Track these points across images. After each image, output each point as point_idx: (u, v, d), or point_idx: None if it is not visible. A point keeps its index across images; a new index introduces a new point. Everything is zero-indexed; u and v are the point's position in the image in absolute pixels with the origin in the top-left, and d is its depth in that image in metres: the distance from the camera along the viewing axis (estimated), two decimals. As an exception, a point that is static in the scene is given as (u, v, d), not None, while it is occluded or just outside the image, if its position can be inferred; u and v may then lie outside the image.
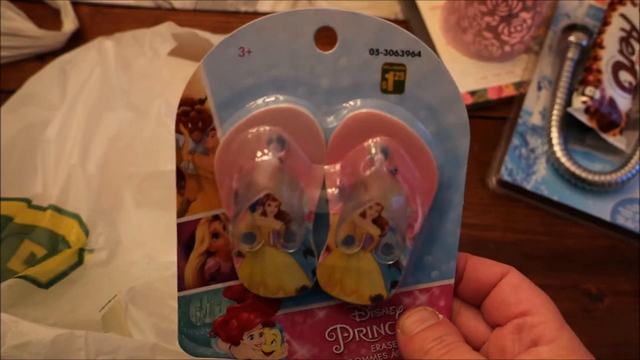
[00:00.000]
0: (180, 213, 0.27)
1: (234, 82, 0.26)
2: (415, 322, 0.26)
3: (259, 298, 0.28)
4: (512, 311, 0.26)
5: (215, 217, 0.27)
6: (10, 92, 0.48)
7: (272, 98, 0.26)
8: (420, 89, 0.26)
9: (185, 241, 0.27)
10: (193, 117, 0.26)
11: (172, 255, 0.43)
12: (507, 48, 0.53)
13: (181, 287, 0.28)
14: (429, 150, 0.26)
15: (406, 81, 0.25)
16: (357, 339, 0.28)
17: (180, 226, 0.27)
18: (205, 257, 0.28)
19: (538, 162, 0.50)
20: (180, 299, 0.28)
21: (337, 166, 0.26)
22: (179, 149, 0.26)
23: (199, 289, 0.28)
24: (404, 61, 0.25)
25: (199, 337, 0.28)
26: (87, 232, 0.43)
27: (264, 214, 0.25)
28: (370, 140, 0.25)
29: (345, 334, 0.28)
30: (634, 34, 0.53)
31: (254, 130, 0.25)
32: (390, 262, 0.26)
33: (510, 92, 0.54)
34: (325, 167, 0.26)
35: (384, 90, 0.26)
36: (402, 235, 0.26)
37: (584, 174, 0.49)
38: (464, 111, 0.26)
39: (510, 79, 0.54)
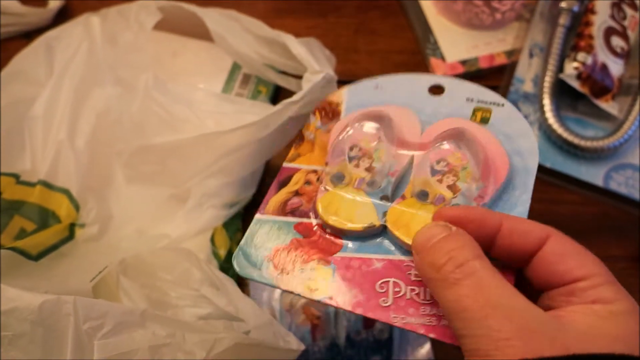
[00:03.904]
0: (289, 160, 0.34)
1: (364, 100, 0.36)
2: (427, 238, 0.25)
3: (324, 238, 0.30)
4: (563, 279, 0.24)
5: (313, 172, 0.33)
6: (-4, 70, 0.47)
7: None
8: (500, 124, 0.33)
9: (283, 180, 0.33)
10: (327, 110, 0.36)
11: (162, 228, 0.44)
12: (498, 16, 0.53)
13: (261, 210, 0.32)
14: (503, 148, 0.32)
15: (490, 118, 0.33)
16: (408, 296, 0.28)
17: (283, 169, 0.33)
18: (293, 195, 0.32)
19: (530, 129, 0.50)
20: (256, 220, 0.31)
21: (427, 144, 0.32)
22: (308, 123, 0.35)
23: (276, 216, 0.31)
24: (490, 107, 0.34)
25: (254, 256, 0.30)
26: (77, 207, 0.42)
27: (357, 166, 0.32)
28: (455, 127, 0.32)
29: (397, 289, 0.28)
30: (626, -2, 0.52)
31: (365, 110, 0.34)
32: None
33: (501, 60, 0.53)
34: (417, 144, 0.33)
35: (473, 121, 0.34)
36: (473, 201, 0.29)
37: (576, 140, 0.48)
38: (534, 141, 0.33)
39: (501, 47, 0.54)
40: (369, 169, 0.31)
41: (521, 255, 0.25)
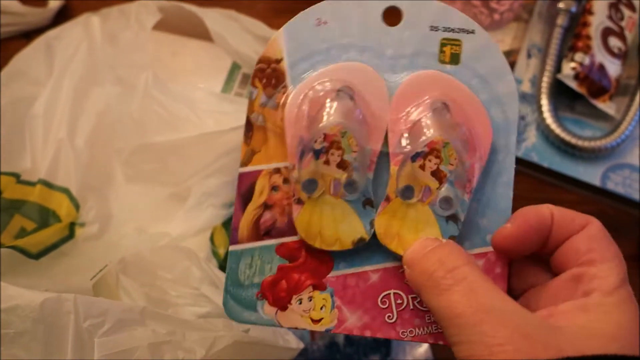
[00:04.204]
0: (244, 163, 0.28)
1: (309, 46, 0.29)
2: (417, 251, 0.25)
3: (311, 257, 0.28)
4: (578, 259, 0.24)
5: (277, 171, 0.28)
6: (-5, 70, 0.47)
7: (341, 60, 0.29)
8: (473, 61, 0.29)
9: (245, 191, 0.28)
10: (268, 74, 0.29)
11: (162, 227, 0.44)
12: (497, 16, 0.53)
13: (234, 239, 0.28)
14: (485, 109, 0.28)
15: (461, 54, 0.29)
16: (411, 306, 0.27)
17: (241, 176, 0.28)
18: (262, 210, 0.28)
19: (528, 129, 0.50)
20: (231, 253, 0.28)
21: (400, 119, 0.28)
22: (251, 101, 0.29)
23: (252, 243, 0.28)
24: (460, 37, 0.29)
25: (245, 298, 0.27)
26: (77, 206, 0.43)
27: (327, 162, 0.27)
28: (431, 95, 0.28)
29: (399, 301, 0.27)
30: (624, -1, 0.53)
31: (324, 81, 0.28)
32: (448, 214, 0.27)
33: (500, 60, 0.53)
34: (389, 119, 0.28)
35: (442, 61, 0.29)
36: (461, 187, 0.27)
37: (574, 140, 0.49)
38: (512, 81, 0.29)
39: (500, 48, 0.54)
40: (341, 165, 0.27)
41: (561, 241, 0.25)
